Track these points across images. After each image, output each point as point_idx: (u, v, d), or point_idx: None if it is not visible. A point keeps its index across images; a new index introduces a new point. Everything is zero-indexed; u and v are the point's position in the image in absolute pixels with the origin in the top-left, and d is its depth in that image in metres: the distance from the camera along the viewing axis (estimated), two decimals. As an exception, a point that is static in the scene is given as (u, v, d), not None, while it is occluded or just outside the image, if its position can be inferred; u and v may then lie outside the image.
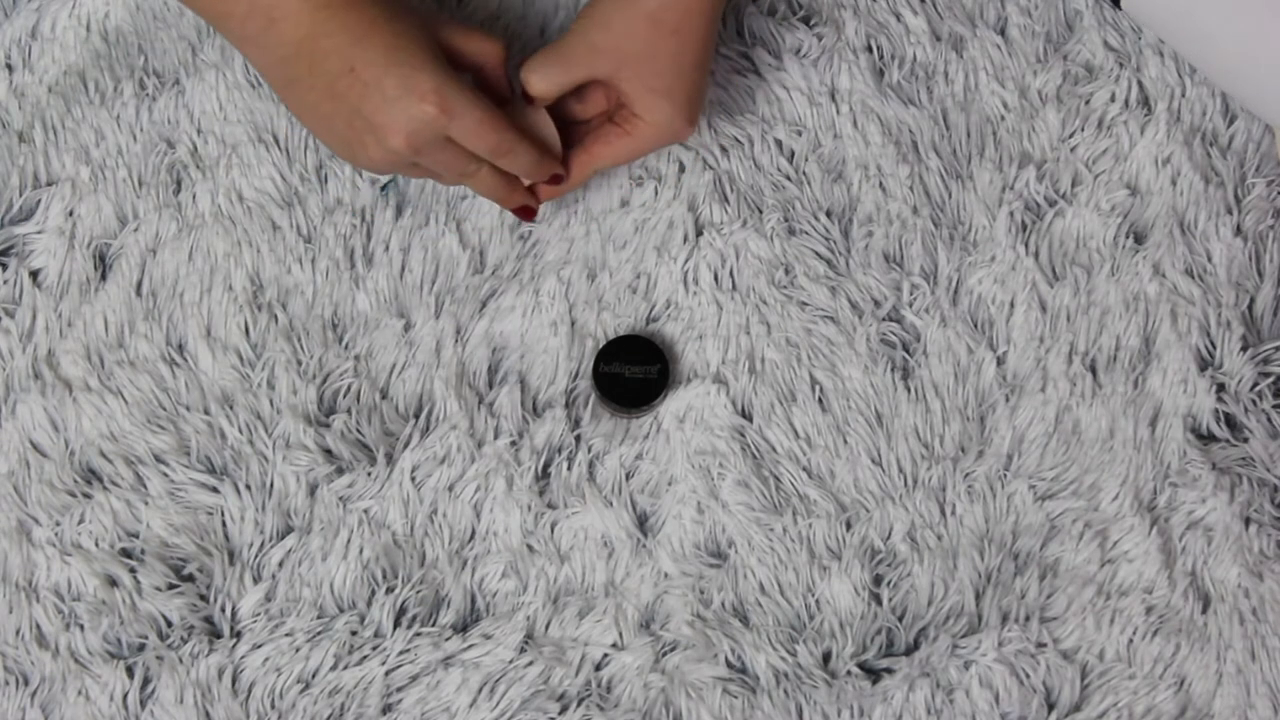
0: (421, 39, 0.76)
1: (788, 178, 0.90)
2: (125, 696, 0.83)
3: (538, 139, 0.81)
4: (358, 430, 0.86)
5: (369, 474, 0.85)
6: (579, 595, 0.85)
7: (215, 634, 0.84)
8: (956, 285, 0.89)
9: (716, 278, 0.88)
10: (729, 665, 0.84)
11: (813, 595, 0.85)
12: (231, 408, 0.86)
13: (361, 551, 0.85)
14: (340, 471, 0.85)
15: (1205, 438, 0.88)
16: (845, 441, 0.87)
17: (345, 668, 0.83)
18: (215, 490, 0.85)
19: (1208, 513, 0.86)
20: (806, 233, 0.89)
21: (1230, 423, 0.88)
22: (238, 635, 0.84)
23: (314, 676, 0.83)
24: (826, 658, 0.85)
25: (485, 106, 0.76)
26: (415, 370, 0.87)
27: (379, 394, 0.87)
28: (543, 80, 0.79)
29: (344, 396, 0.87)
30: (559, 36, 0.80)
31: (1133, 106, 0.91)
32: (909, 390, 0.87)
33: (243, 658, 0.83)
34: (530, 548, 0.85)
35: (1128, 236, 0.89)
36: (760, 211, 0.89)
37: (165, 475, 0.85)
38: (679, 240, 0.89)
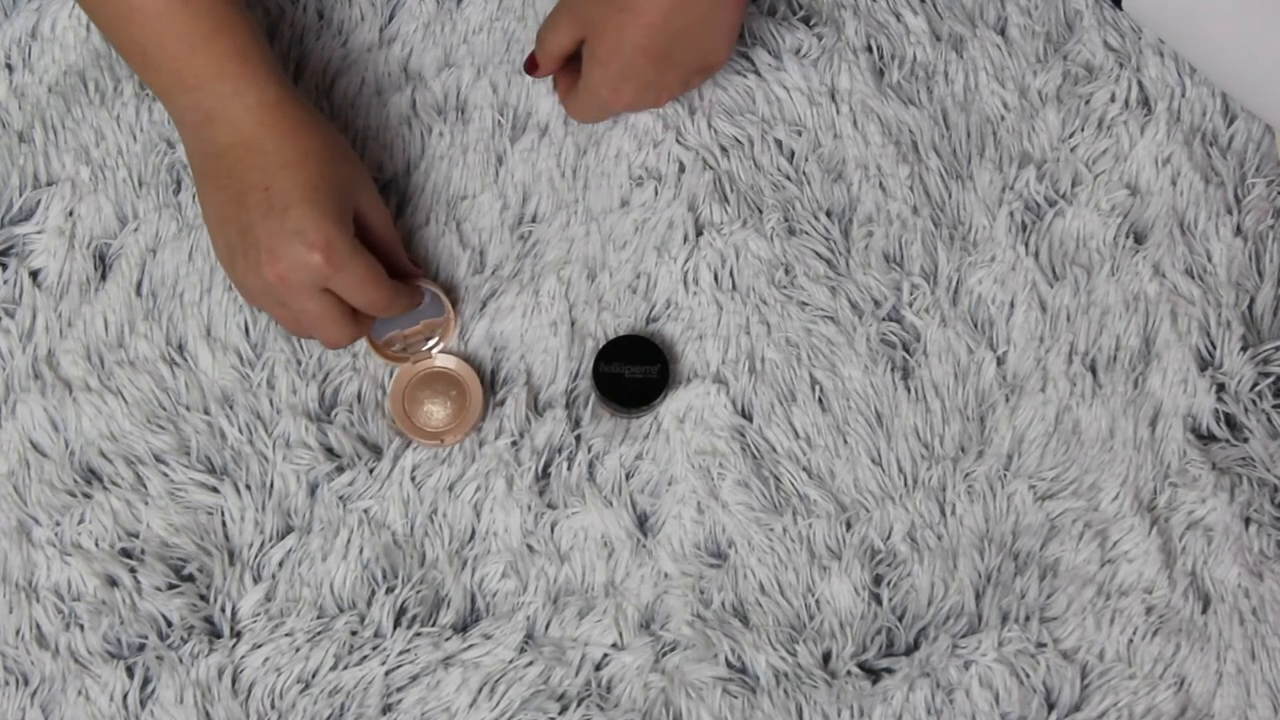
0: (339, 189, 0.78)
1: (788, 178, 0.90)
2: (125, 696, 0.83)
3: (414, 294, 0.84)
4: (359, 426, 0.86)
5: (370, 471, 0.85)
6: (579, 595, 0.85)
7: (215, 634, 0.84)
8: (956, 285, 0.89)
9: (716, 278, 0.88)
10: (729, 665, 0.84)
11: (813, 595, 0.85)
12: (231, 408, 0.86)
13: (361, 551, 0.85)
14: (341, 470, 0.85)
15: (1205, 438, 0.88)
16: (845, 441, 0.87)
17: (345, 668, 0.83)
18: (215, 490, 0.85)
19: (1208, 513, 0.86)
20: (806, 233, 0.89)
21: (1230, 423, 0.88)
22: (238, 635, 0.84)
23: (314, 676, 0.83)
24: (826, 658, 0.85)
25: (370, 265, 0.78)
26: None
27: (380, 391, 0.87)
28: (541, 50, 0.84)
29: (345, 394, 0.87)
30: None
31: (1133, 106, 0.91)
32: (909, 390, 0.87)
33: (243, 658, 0.83)
34: (530, 548, 0.85)
35: (1128, 236, 0.89)
36: (760, 211, 0.89)
37: (165, 475, 0.85)
38: (679, 240, 0.89)
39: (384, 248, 0.82)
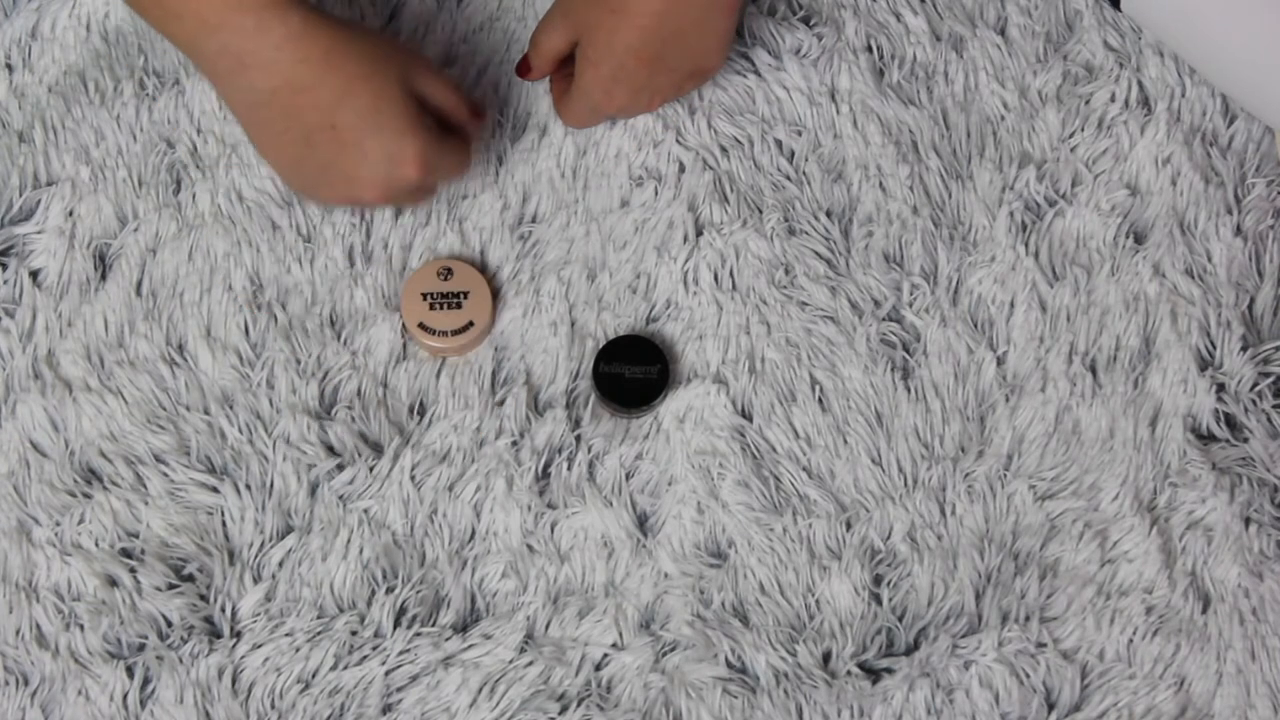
0: (398, 97, 0.77)
1: (788, 178, 0.90)
2: (125, 696, 0.83)
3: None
4: (360, 423, 0.86)
5: (370, 469, 0.85)
6: (579, 595, 0.85)
7: (215, 634, 0.84)
8: (956, 285, 0.89)
9: (716, 278, 0.89)
10: (729, 665, 0.84)
11: (813, 595, 0.85)
12: (231, 407, 0.86)
13: (361, 551, 0.85)
14: (341, 467, 0.85)
15: (1205, 438, 0.88)
16: (845, 441, 0.87)
17: (345, 668, 0.83)
18: (215, 490, 0.85)
19: (1208, 513, 0.86)
20: (806, 233, 0.89)
21: (1230, 423, 0.88)
22: (238, 635, 0.84)
23: (314, 676, 0.83)
24: (826, 658, 0.85)
25: (456, 150, 0.79)
26: (415, 367, 0.87)
27: (380, 389, 0.87)
28: (535, 52, 0.84)
29: (344, 392, 0.87)
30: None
31: (1133, 106, 0.91)
32: (909, 390, 0.87)
33: (243, 658, 0.83)
34: (530, 548, 0.85)
35: (1128, 236, 0.89)
36: (760, 211, 0.89)
37: (165, 475, 0.85)
38: (679, 240, 0.89)
39: (449, 111, 0.82)
